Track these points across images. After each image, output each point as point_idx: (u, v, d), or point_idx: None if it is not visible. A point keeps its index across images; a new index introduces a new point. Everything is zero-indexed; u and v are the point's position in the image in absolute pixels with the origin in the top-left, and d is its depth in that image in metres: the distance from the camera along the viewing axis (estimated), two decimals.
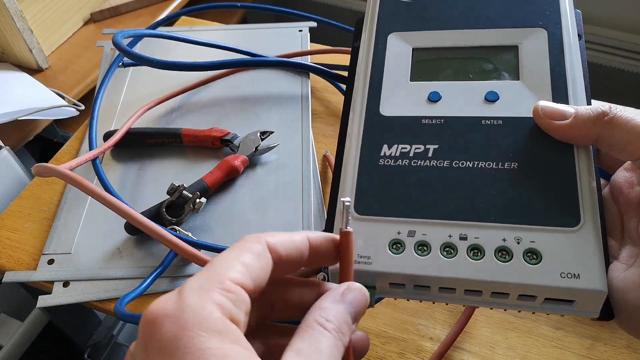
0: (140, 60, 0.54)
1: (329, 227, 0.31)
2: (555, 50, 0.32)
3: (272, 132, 0.54)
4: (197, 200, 0.47)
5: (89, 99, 0.70)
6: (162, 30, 0.69)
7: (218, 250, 0.44)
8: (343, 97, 0.60)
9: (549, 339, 0.41)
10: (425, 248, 0.27)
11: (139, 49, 0.68)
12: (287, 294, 0.26)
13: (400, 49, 0.35)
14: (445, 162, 0.29)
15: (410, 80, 0.33)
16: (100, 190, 0.41)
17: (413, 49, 0.35)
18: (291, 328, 0.26)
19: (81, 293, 0.44)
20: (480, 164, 0.29)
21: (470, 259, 0.26)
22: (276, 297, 0.25)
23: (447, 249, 0.27)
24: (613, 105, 0.27)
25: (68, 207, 0.50)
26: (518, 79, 0.32)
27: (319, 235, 0.25)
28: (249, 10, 0.70)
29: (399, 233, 0.28)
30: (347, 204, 0.26)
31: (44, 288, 0.45)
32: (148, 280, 0.43)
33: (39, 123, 0.74)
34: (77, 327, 0.64)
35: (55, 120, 0.78)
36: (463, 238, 0.27)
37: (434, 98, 0.32)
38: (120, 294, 0.43)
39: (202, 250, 0.43)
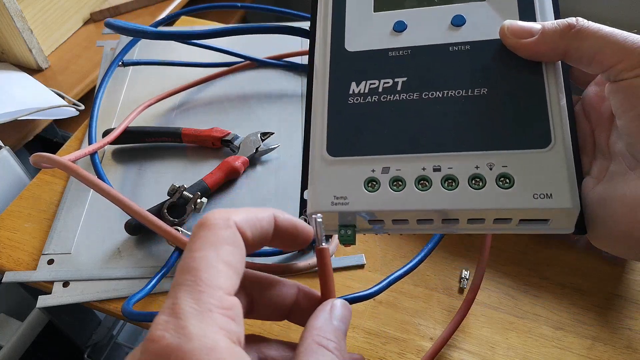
0: (132, 32, 0.51)
1: (304, 184, 0.30)
2: None
3: (272, 133, 0.54)
4: (198, 200, 0.47)
5: (88, 98, 0.70)
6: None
7: None
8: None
9: (549, 339, 0.41)
10: (400, 183, 0.27)
11: (139, 48, 0.68)
12: (266, 293, 0.25)
13: None
14: (414, 95, 0.29)
15: (374, 11, 0.32)
16: (98, 180, 0.41)
17: None
18: (282, 342, 0.26)
19: (81, 293, 0.44)
20: (449, 93, 0.28)
21: (444, 189, 0.26)
22: (255, 296, 0.25)
23: (422, 181, 0.27)
24: (580, 18, 0.27)
25: (68, 207, 0.50)
26: (484, 0, 0.30)
27: (287, 219, 0.24)
28: (249, 10, 0.70)
29: (373, 171, 0.28)
30: (319, 220, 0.25)
31: (44, 288, 0.45)
32: (154, 281, 0.43)
33: (39, 123, 0.74)
34: (77, 327, 0.64)
35: (55, 120, 0.77)
36: (437, 169, 0.27)
37: (399, 28, 0.31)
38: (120, 294, 0.43)
39: None
